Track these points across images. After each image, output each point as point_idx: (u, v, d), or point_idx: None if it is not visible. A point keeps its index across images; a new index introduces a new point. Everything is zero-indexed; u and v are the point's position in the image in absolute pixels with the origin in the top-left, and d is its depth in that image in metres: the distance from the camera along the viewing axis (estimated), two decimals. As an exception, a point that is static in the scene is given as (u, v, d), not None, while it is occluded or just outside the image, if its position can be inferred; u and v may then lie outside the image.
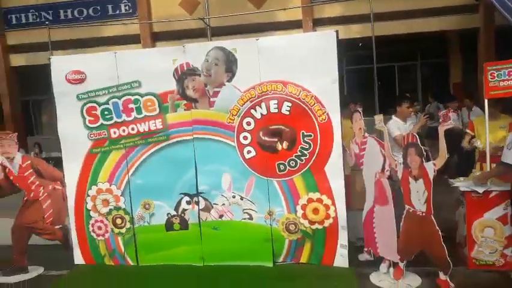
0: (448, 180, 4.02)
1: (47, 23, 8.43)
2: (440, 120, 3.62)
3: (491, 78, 4.00)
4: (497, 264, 3.69)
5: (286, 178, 4.02)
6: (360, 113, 4.06)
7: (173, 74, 4.13)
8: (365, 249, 4.08)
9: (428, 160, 3.51)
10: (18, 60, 10.97)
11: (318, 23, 9.21)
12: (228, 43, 4.04)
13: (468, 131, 4.55)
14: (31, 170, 4.43)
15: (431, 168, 3.40)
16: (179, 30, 9.20)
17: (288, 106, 3.94)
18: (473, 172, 4.07)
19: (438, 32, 9.37)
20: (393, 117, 4.69)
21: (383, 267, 3.81)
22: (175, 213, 4.26)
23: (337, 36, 3.85)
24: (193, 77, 4.10)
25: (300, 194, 4.02)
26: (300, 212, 4.03)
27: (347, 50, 9.71)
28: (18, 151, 4.49)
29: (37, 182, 4.44)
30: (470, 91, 7.58)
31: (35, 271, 4.45)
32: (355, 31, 9.00)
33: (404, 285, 3.57)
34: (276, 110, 3.96)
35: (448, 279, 3.35)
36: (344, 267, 3.94)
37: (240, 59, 3.99)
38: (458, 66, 10.28)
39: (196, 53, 4.07)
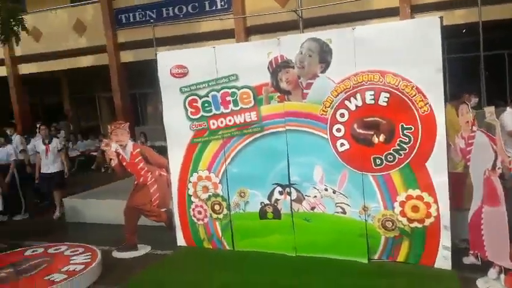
0: None
1: (152, 21, 9.15)
2: None
3: None
4: None
5: (383, 173, 3.88)
6: (467, 105, 3.76)
7: (268, 67, 4.20)
8: (471, 252, 3.78)
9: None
10: (127, 56, 12.10)
11: (416, 9, 8.64)
12: (322, 34, 4.01)
13: None
14: (140, 157, 4.88)
15: (554, 166, 3.03)
16: (272, 23, 9.34)
17: (385, 97, 3.78)
18: None
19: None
20: (508, 109, 4.27)
21: (493, 272, 3.50)
22: (268, 202, 4.38)
23: (441, 23, 3.60)
24: (287, 69, 4.13)
25: (398, 191, 3.85)
26: (398, 209, 3.87)
27: (448, 37, 8.98)
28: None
29: (146, 168, 4.88)
30: None
31: (143, 249, 4.90)
32: (458, 16, 8.27)
33: (518, 295, 3.26)
34: (373, 102, 3.83)
35: None
36: (446, 269, 3.72)
37: (334, 50, 3.92)
38: None
39: (290, 45, 4.10)
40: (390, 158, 3.84)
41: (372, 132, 3.87)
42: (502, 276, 3.40)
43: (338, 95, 3.94)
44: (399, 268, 3.86)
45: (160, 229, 5.11)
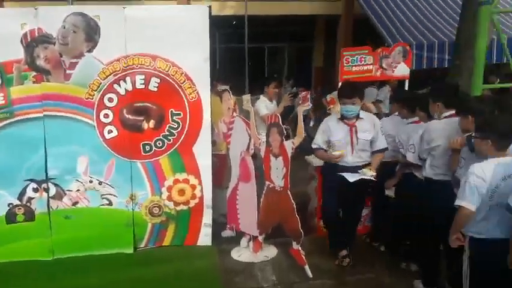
0: (305, 157, 4.35)
1: None
2: (300, 101, 3.86)
3: (346, 63, 4.42)
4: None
5: (152, 159, 3.89)
6: (229, 92, 4.11)
7: (21, 41, 3.59)
8: (228, 225, 4.22)
9: (288, 138, 3.76)
10: None
11: (194, -4, 8.97)
12: (90, 9, 3.69)
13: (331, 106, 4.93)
14: None
15: (289, 146, 3.64)
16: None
17: (156, 82, 3.77)
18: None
19: (306, 16, 9.93)
20: (261, 96, 4.88)
21: (244, 241, 4.01)
22: (18, 202, 3.77)
23: (210, 12, 3.79)
24: (46, 45, 3.63)
25: (165, 176, 3.94)
26: (165, 194, 3.96)
27: (221, 27, 9.72)
28: None
29: None
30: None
31: None
32: (229, 7, 9.01)
33: (262, 257, 3.83)
34: (143, 86, 3.76)
35: (300, 248, 3.69)
36: (207, 245, 4.04)
37: (103, 28, 3.66)
38: (320, 51, 11.09)
39: (51, 18, 3.62)
40: (159, 144, 3.87)
41: (142, 118, 3.82)
42: (251, 243, 3.93)
43: (106, 78, 3.72)
44: (164, 252, 3.97)
45: None
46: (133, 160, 3.87)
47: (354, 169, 3.45)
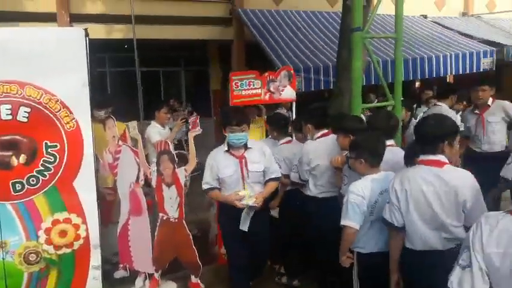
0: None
1: None
2: (190, 126, 3.76)
3: (235, 87, 4.46)
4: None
5: (25, 199, 3.43)
6: (113, 119, 3.85)
7: None
8: (121, 265, 3.88)
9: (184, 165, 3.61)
10: None
11: (77, 18, 8.42)
12: None
13: None
14: None
15: (182, 173, 3.50)
16: None
17: (26, 112, 3.37)
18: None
19: (200, 41, 9.98)
20: (153, 122, 4.67)
21: (139, 281, 3.73)
22: None
23: (86, 35, 3.53)
24: None
25: (42, 217, 3.49)
26: (43, 237, 3.50)
27: (112, 50, 9.28)
28: None
29: None
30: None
31: None
32: (117, 31, 8.65)
33: (159, 296, 3.58)
34: (10, 117, 3.34)
35: (199, 281, 3.53)
36: (97, 290, 3.66)
37: None
38: (217, 75, 11.21)
39: None
40: (33, 181, 3.43)
41: (10, 153, 3.37)
42: (147, 282, 3.65)
43: (-37, 108, 3.22)
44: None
45: None
46: (0, 202, 3.37)
47: (250, 207, 3.09)
